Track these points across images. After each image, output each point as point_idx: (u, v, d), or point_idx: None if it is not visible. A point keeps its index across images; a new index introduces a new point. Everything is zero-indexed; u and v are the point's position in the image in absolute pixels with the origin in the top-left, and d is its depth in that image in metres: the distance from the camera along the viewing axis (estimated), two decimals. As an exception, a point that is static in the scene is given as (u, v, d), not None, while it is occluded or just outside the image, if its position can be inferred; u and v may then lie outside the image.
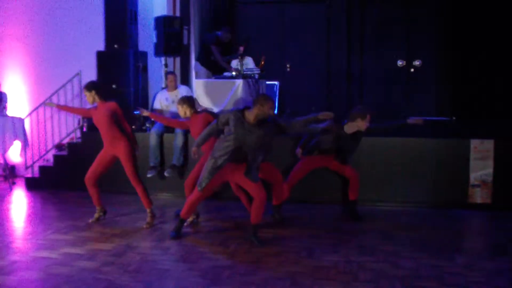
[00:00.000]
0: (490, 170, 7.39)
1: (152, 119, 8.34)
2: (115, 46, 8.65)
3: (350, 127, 6.77)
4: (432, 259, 5.40)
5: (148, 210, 6.65)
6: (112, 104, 6.55)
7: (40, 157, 9.55)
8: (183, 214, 6.08)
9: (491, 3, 10.56)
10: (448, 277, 4.92)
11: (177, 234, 6.10)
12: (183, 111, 6.61)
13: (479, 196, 7.43)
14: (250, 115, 5.69)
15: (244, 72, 8.79)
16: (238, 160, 5.74)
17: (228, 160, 5.73)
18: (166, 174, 7.98)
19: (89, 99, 6.64)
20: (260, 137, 5.67)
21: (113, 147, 6.55)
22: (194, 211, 6.37)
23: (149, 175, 7.96)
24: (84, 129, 9.07)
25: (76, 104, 9.54)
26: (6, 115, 8.97)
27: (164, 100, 8.24)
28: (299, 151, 7.13)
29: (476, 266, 5.22)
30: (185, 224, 6.37)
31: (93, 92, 6.59)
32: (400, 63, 11.17)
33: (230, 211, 7.26)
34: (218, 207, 7.49)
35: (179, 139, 7.91)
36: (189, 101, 6.66)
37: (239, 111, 5.74)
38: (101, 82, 7.54)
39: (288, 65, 11.39)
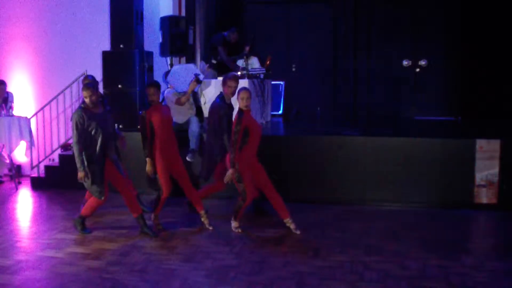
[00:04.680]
0: (496, 170, 7.36)
1: None
2: (121, 46, 8.65)
3: (228, 97, 6.76)
4: (438, 259, 5.38)
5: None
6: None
7: (46, 157, 9.58)
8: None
9: (498, 4, 10.53)
10: (455, 277, 4.91)
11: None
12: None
13: (485, 196, 7.41)
14: (88, 106, 6.00)
15: (250, 72, 8.79)
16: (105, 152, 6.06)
17: (99, 154, 5.98)
18: (188, 159, 7.87)
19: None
20: (107, 120, 6.09)
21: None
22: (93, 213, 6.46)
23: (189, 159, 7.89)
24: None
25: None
26: (12, 115, 8.98)
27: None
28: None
29: (483, 267, 5.20)
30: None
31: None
32: (405, 63, 11.15)
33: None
34: (223, 206, 7.48)
35: (194, 126, 7.88)
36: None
37: (82, 108, 5.98)
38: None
39: (294, 65, 11.38)
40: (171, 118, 6.54)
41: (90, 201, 6.31)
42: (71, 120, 6.09)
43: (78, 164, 5.94)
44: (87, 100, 5.95)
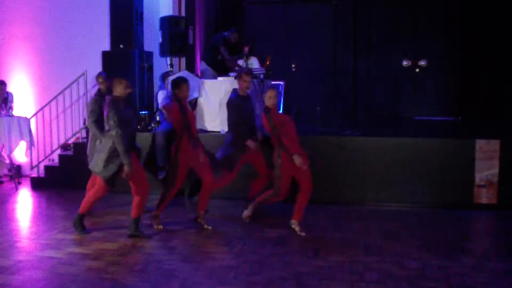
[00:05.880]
0: (495, 170, 7.36)
1: (158, 119, 8.36)
2: (121, 46, 8.65)
3: (242, 91, 6.84)
4: (438, 259, 5.38)
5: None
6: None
7: (46, 157, 9.57)
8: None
9: (498, 4, 10.53)
10: (455, 278, 4.90)
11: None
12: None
13: (485, 196, 7.41)
14: (118, 99, 5.93)
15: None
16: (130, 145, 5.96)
17: (128, 146, 5.87)
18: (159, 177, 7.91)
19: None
20: (134, 114, 6.06)
21: None
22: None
23: (160, 177, 7.89)
24: (90, 129, 9.08)
25: (81, 103, 9.58)
26: (12, 115, 8.98)
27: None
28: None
29: (483, 267, 5.19)
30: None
31: None
32: (405, 63, 11.15)
33: (235, 211, 7.24)
34: (223, 206, 7.48)
35: (159, 138, 7.87)
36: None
37: (112, 100, 5.89)
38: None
39: (293, 65, 11.37)
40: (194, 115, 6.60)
41: (87, 196, 6.27)
42: (89, 104, 6.46)
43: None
44: (121, 92, 5.89)
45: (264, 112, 6.24)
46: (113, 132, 5.78)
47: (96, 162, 5.98)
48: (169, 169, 6.44)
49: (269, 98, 6.24)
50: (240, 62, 9.45)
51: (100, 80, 7.24)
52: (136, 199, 6.10)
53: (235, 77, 8.45)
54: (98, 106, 6.87)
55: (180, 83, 6.39)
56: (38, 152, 9.54)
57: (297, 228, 6.26)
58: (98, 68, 9.00)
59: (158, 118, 8.49)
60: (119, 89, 5.90)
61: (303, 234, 6.20)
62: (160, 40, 9.37)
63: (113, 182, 5.98)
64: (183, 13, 10.45)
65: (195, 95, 8.44)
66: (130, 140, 5.92)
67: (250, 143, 6.72)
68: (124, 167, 5.82)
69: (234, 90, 6.92)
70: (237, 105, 6.76)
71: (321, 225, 6.67)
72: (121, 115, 5.82)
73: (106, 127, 5.88)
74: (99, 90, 7.25)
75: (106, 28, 9.04)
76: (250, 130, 6.84)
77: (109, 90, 6.49)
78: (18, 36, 10.12)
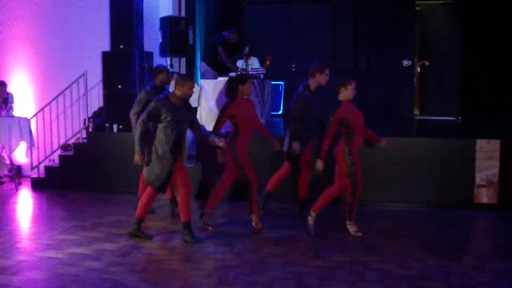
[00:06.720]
0: (496, 170, 7.36)
1: None
2: (121, 46, 8.65)
3: (315, 86, 6.71)
4: (438, 259, 5.38)
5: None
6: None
7: (46, 158, 9.57)
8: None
9: (499, 3, 10.53)
10: (455, 278, 4.90)
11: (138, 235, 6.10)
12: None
13: (485, 196, 7.40)
14: (174, 98, 5.77)
15: (250, 72, 8.79)
16: (178, 145, 5.82)
17: (175, 147, 5.76)
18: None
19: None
20: (187, 116, 5.89)
21: None
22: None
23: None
24: (90, 130, 9.09)
25: (81, 104, 9.57)
26: (13, 116, 8.99)
27: None
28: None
29: (483, 267, 5.19)
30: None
31: None
32: (405, 63, 11.13)
33: (236, 211, 7.25)
34: (222, 206, 7.48)
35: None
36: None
37: (165, 97, 5.77)
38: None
39: (293, 65, 11.34)
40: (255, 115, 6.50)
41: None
42: (138, 94, 6.55)
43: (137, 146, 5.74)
44: (185, 93, 5.73)
45: (334, 105, 6.04)
46: (139, 121, 5.76)
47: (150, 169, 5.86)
48: (235, 167, 6.25)
49: (354, 90, 6.05)
50: (240, 62, 9.45)
51: (163, 74, 6.90)
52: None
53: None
54: (145, 98, 6.59)
55: (247, 78, 6.32)
56: (38, 152, 9.55)
57: (311, 222, 6.24)
58: (98, 68, 9.00)
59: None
60: (183, 90, 5.73)
61: (312, 232, 6.19)
62: (160, 40, 9.38)
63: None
64: (183, 13, 10.45)
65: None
66: (177, 141, 5.78)
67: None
68: (135, 156, 5.79)
69: (305, 82, 6.72)
70: (306, 98, 6.60)
71: (321, 225, 6.66)
72: (173, 114, 5.69)
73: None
74: (154, 83, 6.91)
75: (106, 28, 9.04)
76: (310, 127, 6.71)
77: (162, 86, 6.67)
78: (18, 36, 10.13)
